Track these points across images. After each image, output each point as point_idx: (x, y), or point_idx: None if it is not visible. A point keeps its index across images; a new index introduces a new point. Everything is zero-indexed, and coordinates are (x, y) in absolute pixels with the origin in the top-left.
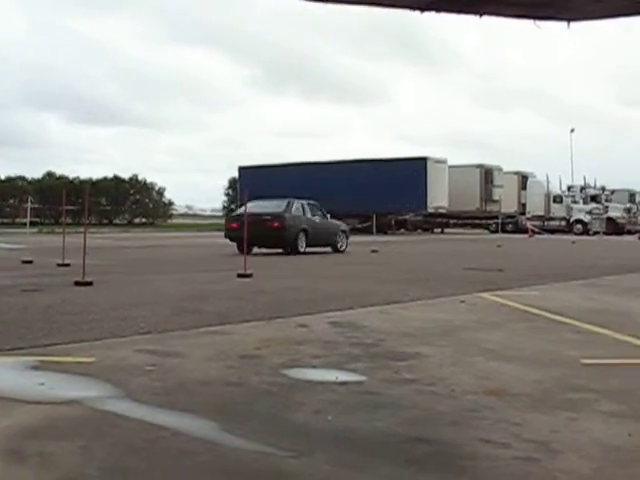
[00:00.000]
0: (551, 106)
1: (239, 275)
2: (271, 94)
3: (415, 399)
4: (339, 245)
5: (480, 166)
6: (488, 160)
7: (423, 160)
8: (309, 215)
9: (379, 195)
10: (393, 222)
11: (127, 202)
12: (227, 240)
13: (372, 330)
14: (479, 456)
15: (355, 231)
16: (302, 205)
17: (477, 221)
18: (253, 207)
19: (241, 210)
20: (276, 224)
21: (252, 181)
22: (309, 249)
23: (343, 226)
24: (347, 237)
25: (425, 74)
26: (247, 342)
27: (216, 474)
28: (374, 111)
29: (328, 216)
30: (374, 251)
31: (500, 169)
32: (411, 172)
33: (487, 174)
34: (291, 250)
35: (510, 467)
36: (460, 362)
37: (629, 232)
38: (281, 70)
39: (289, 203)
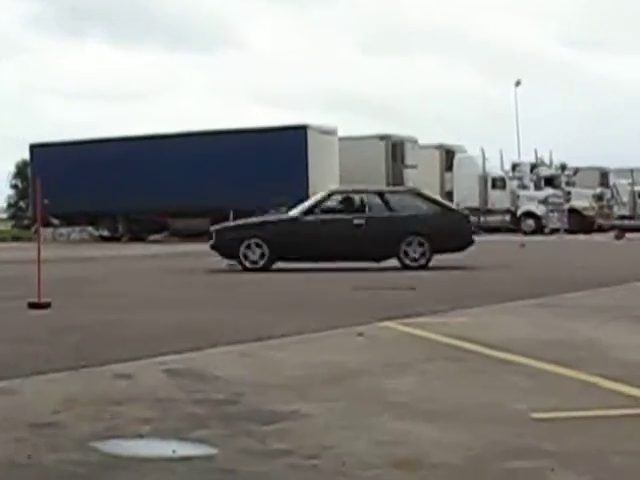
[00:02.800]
0: (479, 54)
1: (31, 305)
2: (67, 38)
3: (289, 479)
4: None
5: (385, 137)
6: (395, 129)
7: (302, 130)
8: None
9: (238, 183)
10: None
11: None
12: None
13: (227, 381)
14: None
15: (199, 237)
16: None
17: None
18: None
19: None
20: None
21: (50, 166)
22: None
23: None
24: None
25: (292, 9)
26: (42, 404)
27: None
28: (219, 61)
29: None
30: (233, 265)
31: (414, 141)
32: (285, 148)
33: (395, 149)
34: None
35: None
36: (355, 423)
37: (600, 229)
38: (79, 5)
39: None
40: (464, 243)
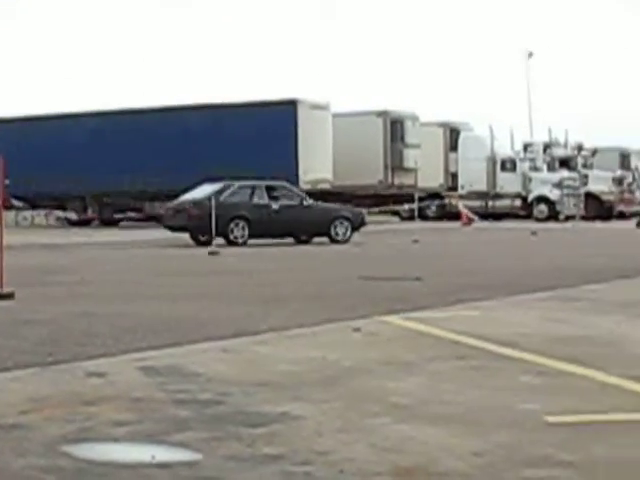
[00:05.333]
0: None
1: None
2: None
3: None
4: (336, 234)
5: (383, 114)
6: (393, 104)
7: (291, 105)
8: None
9: (222, 163)
10: None
11: None
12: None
13: (210, 379)
14: None
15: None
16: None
17: (380, 203)
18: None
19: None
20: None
21: (11, 142)
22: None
23: (344, 211)
24: (352, 223)
25: None
26: (6, 403)
27: None
28: None
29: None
30: (213, 253)
31: (415, 118)
32: (271, 126)
33: (395, 127)
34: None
35: None
36: (352, 426)
37: (622, 215)
38: None
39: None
40: None
